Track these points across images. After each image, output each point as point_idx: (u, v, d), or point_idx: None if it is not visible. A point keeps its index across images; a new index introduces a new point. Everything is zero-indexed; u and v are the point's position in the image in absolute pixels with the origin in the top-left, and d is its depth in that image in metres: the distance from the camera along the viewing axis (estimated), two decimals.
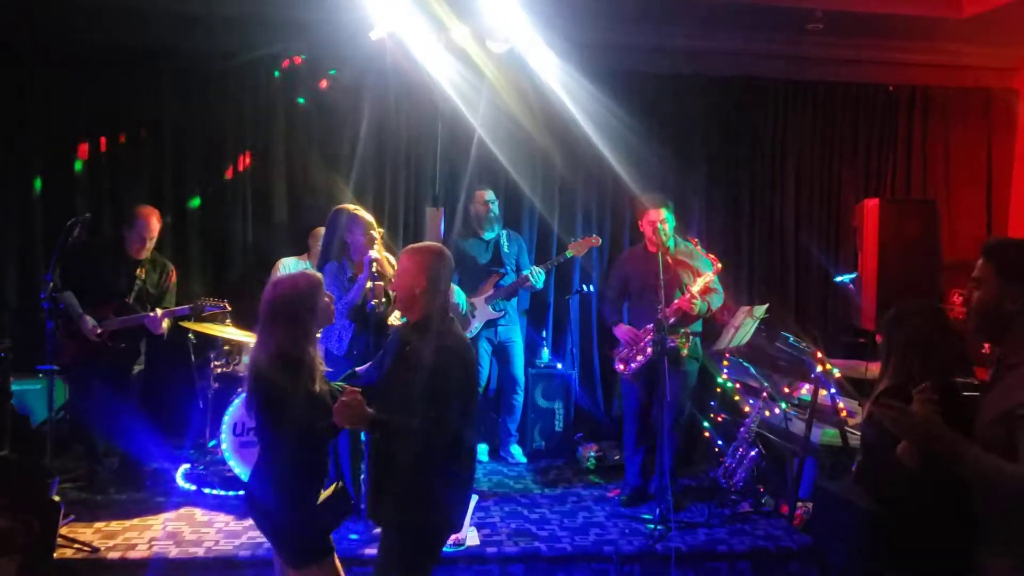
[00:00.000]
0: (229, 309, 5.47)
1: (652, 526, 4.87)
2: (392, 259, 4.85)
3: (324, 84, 6.33)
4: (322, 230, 5.97)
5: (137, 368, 5.52)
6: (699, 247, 5.33)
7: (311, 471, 3.08)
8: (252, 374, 3.03)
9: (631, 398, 5.40)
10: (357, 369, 3.45)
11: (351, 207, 4.89)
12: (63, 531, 4.41)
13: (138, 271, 5.33)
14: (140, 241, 5.27)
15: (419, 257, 3.17)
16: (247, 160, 6.33)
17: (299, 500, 3.02)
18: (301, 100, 6.34)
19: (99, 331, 5.15)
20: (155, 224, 5.32)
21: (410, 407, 2.95)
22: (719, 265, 5.27)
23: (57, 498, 3.98)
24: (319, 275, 3.22)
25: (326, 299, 3.14)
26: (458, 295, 5.69)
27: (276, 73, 6.31)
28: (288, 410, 2.96)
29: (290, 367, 2.96)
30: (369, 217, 4.86)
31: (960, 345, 2.80)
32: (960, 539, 2.51)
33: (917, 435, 2.41)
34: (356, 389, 2.94)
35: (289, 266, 5.96)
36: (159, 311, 5.23)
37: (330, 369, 3.52)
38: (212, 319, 5.57)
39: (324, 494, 3.09)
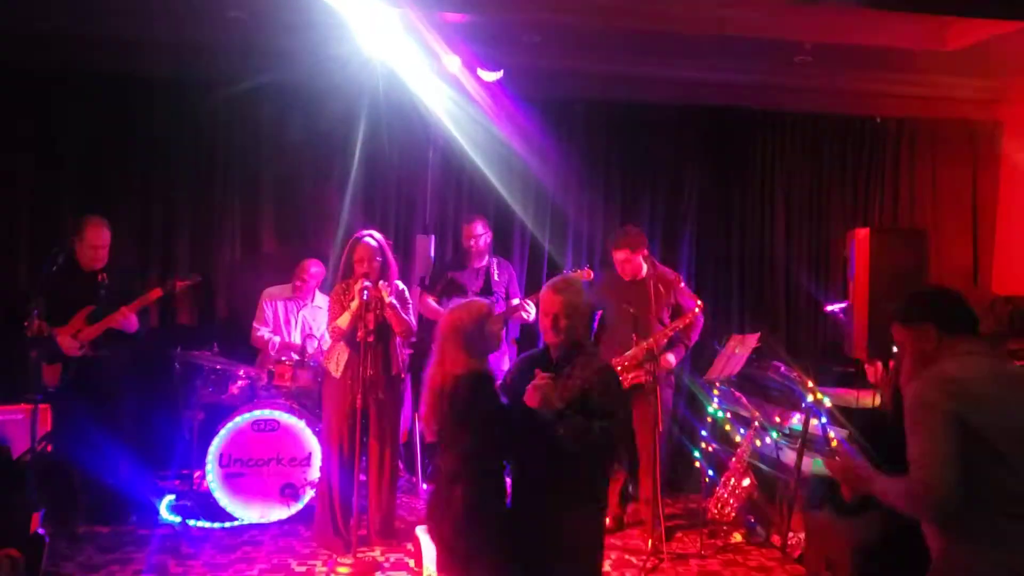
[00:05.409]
0: (200, 279, 5.49)
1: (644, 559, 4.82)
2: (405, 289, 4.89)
3: None
4: (308, 263, 5.92)
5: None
6: (681, 283, 5.33)
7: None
8: (446, 394, 3.05)
9: None
10: None
11: (365, 233, 4.87)
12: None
13: (99, 278, 5.23)
14: (93, 251, 5.20)
15: (561, 291, 3.25)
16: (235, 189, 6.29)
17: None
18: None
19: (80, 344, 5.07)
20: (104, 232, 5.26)
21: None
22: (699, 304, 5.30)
23: (42, 531, 3.89)
24: (489, 303, 3.33)
25: (496, 326, 3.27)
26: None
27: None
28: (495, 422, 3.03)
29: (485, 382, 3.08)
30: (371, 244, 4.80)
31: None
32: None
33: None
34: (546, 374, 3.02)
35: (274, 295, 5.89)
36: (123, 308, 5.15)
37: None
38: (184, 294, 5.69)
39: None
